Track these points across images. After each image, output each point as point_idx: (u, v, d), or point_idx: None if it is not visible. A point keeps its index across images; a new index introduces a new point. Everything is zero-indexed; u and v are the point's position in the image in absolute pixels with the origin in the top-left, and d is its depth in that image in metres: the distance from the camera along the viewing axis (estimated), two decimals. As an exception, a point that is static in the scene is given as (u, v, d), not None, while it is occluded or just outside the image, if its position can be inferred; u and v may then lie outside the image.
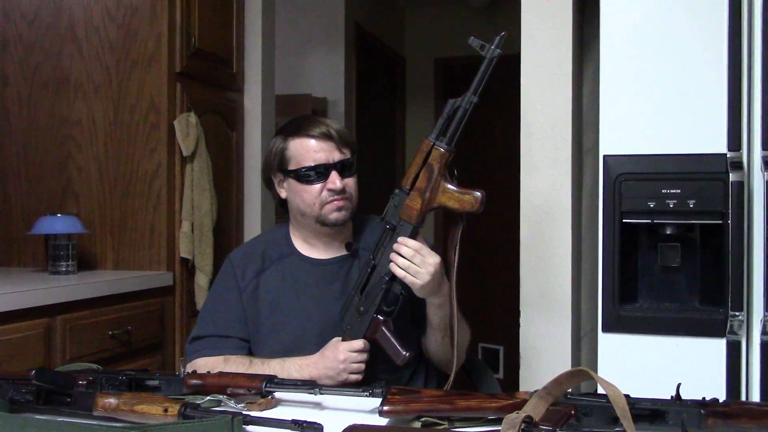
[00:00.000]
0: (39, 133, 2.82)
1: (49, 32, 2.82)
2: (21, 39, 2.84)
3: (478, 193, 1.56)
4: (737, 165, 1.88)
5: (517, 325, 2.49)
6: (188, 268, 2.81)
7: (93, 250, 2.78)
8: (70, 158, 2.79)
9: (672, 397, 1.17)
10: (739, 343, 1.90)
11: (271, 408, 1.36)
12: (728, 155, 1.90)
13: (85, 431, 1.20)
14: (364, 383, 1.59)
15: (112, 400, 1.25)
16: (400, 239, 1.61)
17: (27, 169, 2.84)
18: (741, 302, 1.88)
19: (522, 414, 1.05)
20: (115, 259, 2.77)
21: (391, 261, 1.61)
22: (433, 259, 1.60)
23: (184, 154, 2.75)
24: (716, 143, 1.92)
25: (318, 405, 1.39)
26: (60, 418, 1.27)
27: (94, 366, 1.57)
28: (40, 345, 2.16)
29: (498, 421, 1.10)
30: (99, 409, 1.26)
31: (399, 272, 1.61)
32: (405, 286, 1.64)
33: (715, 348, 1.92)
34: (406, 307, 1.70)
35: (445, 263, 1.64)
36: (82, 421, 1.25)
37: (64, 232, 2.55)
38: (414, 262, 1.59)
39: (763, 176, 1.86)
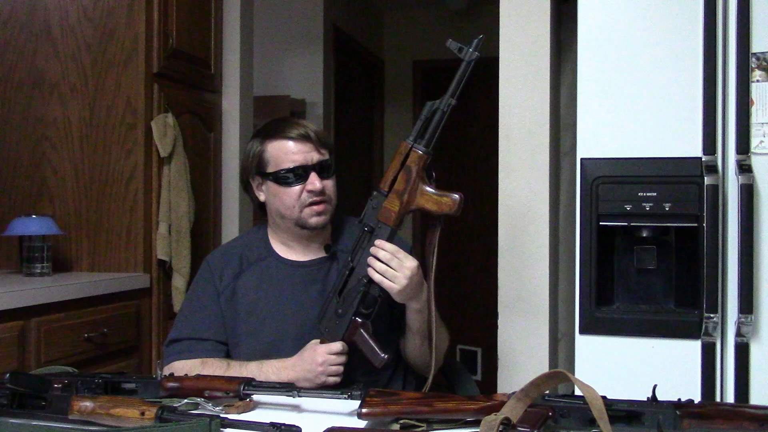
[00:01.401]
0: (13, 134, 2.79)
1: (23, 31, 2.78)
2: (-5, 38, 2.80)
3: (456, 196, 1.57)
4: (712, 168, 1.90)
5: (495, 327, 2.50)
6: (165, 270, 2.79)
7: (68, 251, 2.75)
8: (45, 159, 2.76)
9: (648, 398, 1.18)
10: (713, 345, 1.92)
11: (249, 411, 1.36)
12: (703, 159, 1.92)
13: (61, 435, 1.19)
14: (342, 386, 1.59)
15: (87, 404, 1.24)
16: (377, 242, 1.61)
17: (1, 170, 2.80)
18: (716, 304, 1.89)
19: (500, 416, 1.05)
20: (91, 260, 2.74)
21: (369, 266, 1.61)
22: (410, 263, 1.60)
23: (162, 155, 2.73)
24: (691, 147, 1.94)
25: (296, 407, 1.39)
26: (35, 422, 1.26)
27: (70, 369, 1.55)
28: (15, 348, 2.13)
29: (476, 423, 1.11)
30: (74, 412, 1.24)
31: (376, 277, 1.60)
32: (383, 289, 1.64)
33: (691, 349, 1.94)
34: (384, 310, 1.70)
35: (423, 266, 1.64)
36: (58, 425, 1.24)
37: (39, 234, 2.52)
38: (391, 266, 1.59)
39: (738, 180, 1.88)
